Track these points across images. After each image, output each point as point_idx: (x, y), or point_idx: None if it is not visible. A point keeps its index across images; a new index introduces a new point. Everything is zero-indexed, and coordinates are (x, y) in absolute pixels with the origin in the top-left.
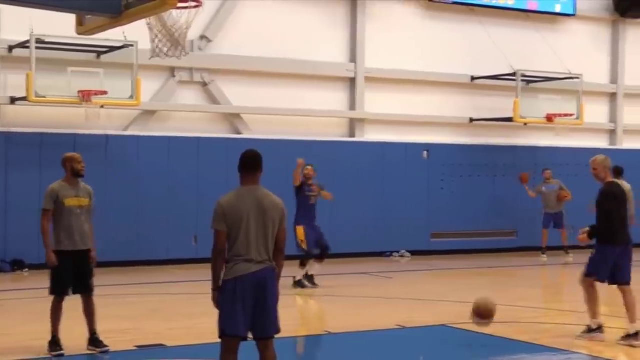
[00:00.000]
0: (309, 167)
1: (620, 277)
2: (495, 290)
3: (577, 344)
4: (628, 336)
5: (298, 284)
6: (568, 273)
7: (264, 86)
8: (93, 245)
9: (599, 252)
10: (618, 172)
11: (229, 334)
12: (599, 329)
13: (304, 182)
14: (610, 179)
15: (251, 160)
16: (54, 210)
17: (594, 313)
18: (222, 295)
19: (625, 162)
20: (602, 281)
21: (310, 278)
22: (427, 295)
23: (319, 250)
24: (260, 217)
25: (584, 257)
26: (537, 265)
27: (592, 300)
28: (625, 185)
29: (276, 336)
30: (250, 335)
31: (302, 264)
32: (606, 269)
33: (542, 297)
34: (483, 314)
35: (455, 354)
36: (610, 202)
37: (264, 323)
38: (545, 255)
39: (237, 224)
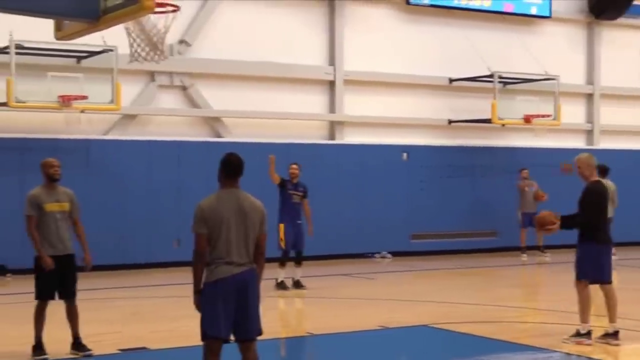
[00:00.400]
0: (294, 166)
1: (601, 276)
2: (475, 290)
3: (558, 345)
4: (607, 335)
5: (280, 285)
6: (546, 272)
7: (244, 89)
8: (87, 248)
9: (582, 250)
10: (603, 171)
11: (211, 336)
12: (588, 334)
13: (288, 181)
14: (595, 177)
15: (235, 166)
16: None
17: (585, 317)
18: (204, 298)
19: (602, 161)
20: (593, 282)
21: (296, 283)
22: (409, 296)
23: (294, 253)
24: (240, 220)
25: (561, 256)
26: (517, 265)
27: (584, 303)
28: (610, 184)
29: (258, 338)
30: (232, 337)
31: (282, 265)
32: (592, 267)
33: (522, 296)
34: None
35: (437, 354)
36: (594, 200)
37: (246, 325)
38: (525, 255)
39: (218, 227)
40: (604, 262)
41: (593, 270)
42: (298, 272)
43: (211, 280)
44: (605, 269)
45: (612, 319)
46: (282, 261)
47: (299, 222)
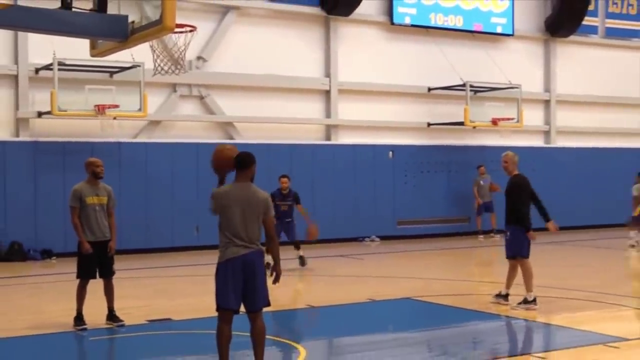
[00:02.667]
0: (284, 179)
1: (521, 252)
2: (450, 268)
3: (514, 313)
4: (526, 301)
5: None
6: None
7: (253, 98)
8: (114, 237)
9: (511, 233)
10: None
11: (222, 307)
12: (534, 300)
13: (278, 192)
14: (517, 172)
15: (241, 160)
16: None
17: (528, 286)
18: (217, 275)
19: (558, 158)
20: (527, 257)
21: (300, 258)
22: (394, 273)
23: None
24: (247, 209)
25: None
26: (487, 246)
27: (512, 276)
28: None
29: (266, 309)
30: (242, 308)
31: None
32: (522, 245)
33: (488, 273)
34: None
35: (418, 322)
36: (517, 191)
37: (253, 298)
38: (482, 236)
39: (227, 214)
40: (524, 241)
41: (520, 248)
42: (299, 253)
43: (222, 260)
44: (525, 247)
45: (529, 289)
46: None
47: (287, 220)
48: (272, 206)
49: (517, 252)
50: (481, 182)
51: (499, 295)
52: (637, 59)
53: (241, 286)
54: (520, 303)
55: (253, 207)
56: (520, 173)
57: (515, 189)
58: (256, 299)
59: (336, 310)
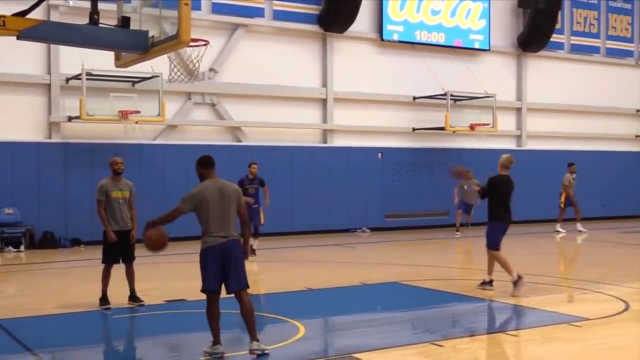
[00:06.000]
0: (254, 166)
1: (491, 244)
2: (432, 255)
3: (496, 296)
4: (484, 283)
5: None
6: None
7: (258, 105)
8: (135, 227)
9: (490, 227)
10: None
11: (206, 289)
12: (490, 282)
13: (245, 178)
14: (503, 172)
15: (207, 161)
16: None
17: (508, 271)
18: (200, 262)
19: (528, 160)
20: (498, 249)
21: (252, 250)
22: (382, 260)
23: (253, 228)
24: (222, 201)
25: (477, 231)
26: (463, 237)
27: (491, 263)
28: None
29: (269, 291)
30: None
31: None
32: (499, 238)
33: (466, 260)
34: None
35: (403, 302)
36: (494, 188)
37: (233, 280)
38: (459, 232)
39: (204, 208)
40: (496, 234)
41: (492, 240)
42: (255, 243)
43: (203, 248)
44: (496, 239)
45: (510, 272)
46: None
47: (254, 206)
48: (242, 193)
49: (487, 243)
50: (465, 187)
51: (484, 283)
52: (598, 71)
53: (221, 270)
54: (483, 284)
55: (227, 198)
56: (503, 174)
57: (493, 186)
58: (237, 280)
59: (332, 292)
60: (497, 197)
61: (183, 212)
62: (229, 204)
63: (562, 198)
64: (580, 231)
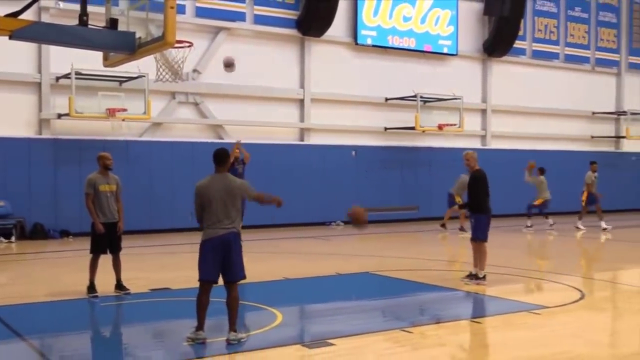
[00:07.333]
0: (237, 150)
1: (483, 237)
2: (402, 248)
3: (461, 286)
4: (477, 277)
5: None
6: (449, 235)
7: (239, 105)
8: (122, 219)
9: (476, 220)
10: (542, 171)
11: (202, 278)
12: (484, 277)
13: (235, 160)
14: (477, 167)
15: (220, 156)
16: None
17: (481, 265)
18: (199, 252)
19: (492, 158)
20: (485, 241)
21: None
22: (355, 252)
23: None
24: (225, 196)
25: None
26: (432, 230)
27: (479, 256)
28: (542, 179)
29: (248, 281)
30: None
31: None
32: (485, 231)
33: (434, 252)
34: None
35: (375, 291)
36: (478, 183)
37: (230, 271)
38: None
39: (209, 201)
40: (485, 227)
41: (482, 233)
42: None
43: (204, 239)
44: (485, 232)
45: (482, 267)
46: None
47: None
48: (249, 186)
49: (477, 236)
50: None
51: (470, 275)
52: (557, 76)
53: (220, 261)
54: (470, 277)
55: (231, 194)
56: (481, 168)
57: (477, 181)
58: (233, 272)
59: (308, 282)
60: (482, 190)
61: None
62: (232, 200)
63: (584, 196)
64: (605, 229)
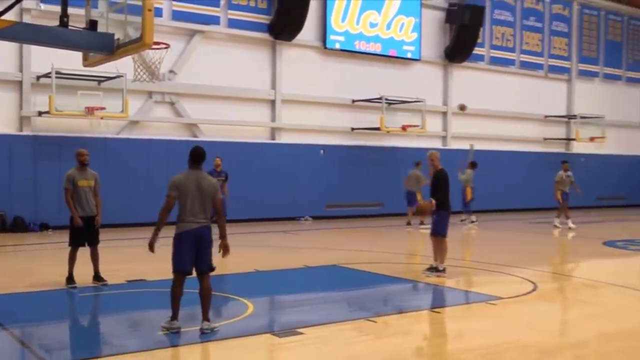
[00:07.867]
0: (218, 160)
1: (443, 232)
2: (368, 242)
3: (423, 278)
4: (437, 270)
5: None
6: (410, 231)
7: (214, 104)
8: (99, 213)
9: (438, 216)
10: (473, 165)
11: (177, 269)
12: (444, 270)
13: (213, 170)
14: (440, 166)
15: (197, 155)
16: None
17: (441, 259)
18: (174, 244)
19: (452, 157)
20: (445, 236)
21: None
22: (323, 245)
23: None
24: (198, 192)
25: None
26: (395, 225)
27: (439, 250)
28: (468, 172)
29: (221, 272)
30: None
31: None
32: (445, 227)
33: (398, 246)
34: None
35: (341, 283)
36: (441, 181)
37: (202, 262)
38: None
39: (183, 195)
40: (446, 223)
41: (442, 228)
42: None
43: (178, 232)
44: (445, 228)
45: (442, 261)
46: None
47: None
48: (220, 188)
49: (438, 232)
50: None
51: (431, 268)
52: (513, 81)
53: (193, 253)
54: (430, 270)
55: (204, 191)
56: (443, 168)
57: (440, 180)
58: (204, 263)
59: (278, 274)
60: (445, 188)
61: (173, 196)
62: (205, 196)
63: (558, 195)
64: (556, 226)
